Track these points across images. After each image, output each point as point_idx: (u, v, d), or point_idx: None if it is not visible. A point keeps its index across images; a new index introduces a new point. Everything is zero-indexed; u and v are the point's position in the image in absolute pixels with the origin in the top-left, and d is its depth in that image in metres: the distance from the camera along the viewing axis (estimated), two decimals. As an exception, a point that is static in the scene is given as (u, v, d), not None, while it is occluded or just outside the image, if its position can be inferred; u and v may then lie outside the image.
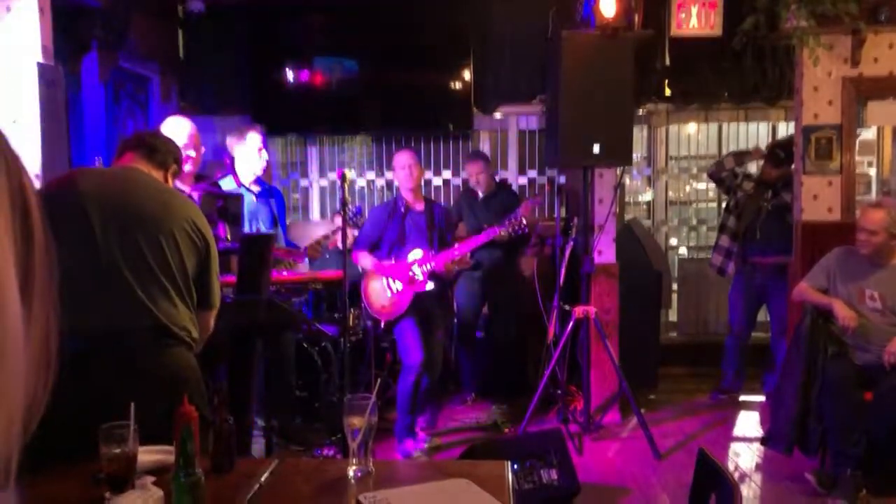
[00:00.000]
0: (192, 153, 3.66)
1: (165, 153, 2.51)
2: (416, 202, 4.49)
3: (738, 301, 5.48)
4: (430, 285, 4.39)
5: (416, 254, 4.40)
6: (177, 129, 3.63)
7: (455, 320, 5.41)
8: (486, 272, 5.29)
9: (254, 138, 4.20)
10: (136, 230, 2.23)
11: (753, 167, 5.70)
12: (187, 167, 3.59)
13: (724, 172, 5.46)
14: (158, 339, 2.21)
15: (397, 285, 4.40)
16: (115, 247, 2.20)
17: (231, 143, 4.23)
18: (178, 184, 3.52)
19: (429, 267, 4.36)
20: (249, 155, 4.21)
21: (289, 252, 4.44)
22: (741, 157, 5.50)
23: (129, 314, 2.18)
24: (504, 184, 5.97)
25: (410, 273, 4.37)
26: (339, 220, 4.29)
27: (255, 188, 4.25)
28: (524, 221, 4.54)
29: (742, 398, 5.47)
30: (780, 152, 5.29)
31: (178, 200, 2.41)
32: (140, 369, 2.15)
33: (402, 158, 4.49)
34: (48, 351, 0.59)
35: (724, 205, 5.82)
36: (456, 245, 4.51)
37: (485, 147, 6.52)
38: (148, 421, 1.70)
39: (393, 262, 4.43)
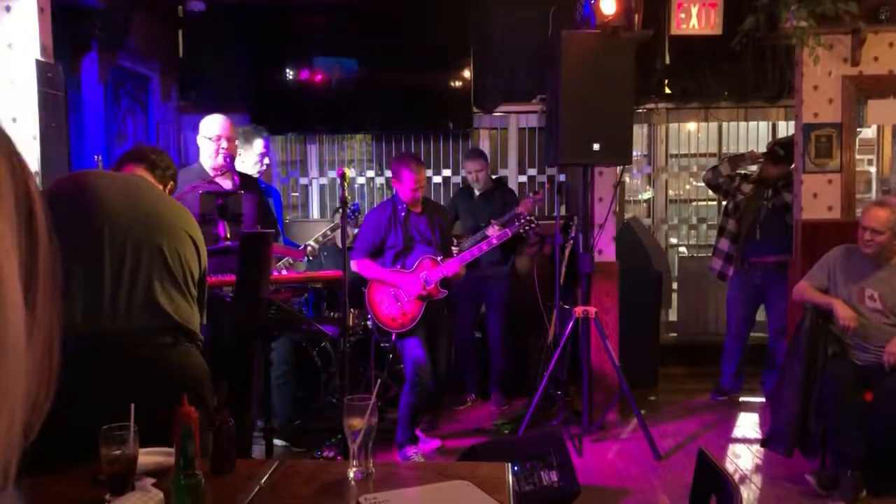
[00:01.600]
0: (225, 144, 3.71)
1: (165, 169, 2.55)
2: (415, 205, 4.36)
3: (737, 300, 5.47)
4: (443, 293, 4.28)
5: (425, 264, 4.27)
6: (214, 122, 3.72)
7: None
8: (483, 272, 5.28)
9: (259, 145, 4.24)
10: (156, 233, 2.25)
11: (752, 166, 5.69)
12: (219, 160, 3.63)
13: (720, 178, 5.44)
14: (176, 339, 2.23)
15: (408, 296, 4.25)
16: (136, 249, 2.21)
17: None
18: (220, 181, 3.57)
19: (440, 276, 4.24)
20: (251, 159, 4.25)
21: (287, 251, 4.44)
22: (736, 161, 5.47)
23: (148, 316, 2.19)
24: (501, 181, 5.96)
25: (424, 284, 4.22)
26: (338, 218, 4.31)
27: (255, 187, 4.27)
28: (528, 217, 4.50)
29: (742, 399, 5.47)
30: (779, 150, 5.29)
31: (186, 212, 2.45)
32: (158, 370, 2.15)
33: (419, 178, 4.25)
34: (51, 354, 0.59)
35: (723, 206, 5.80)
36: (463, 250, 4.48)
37: (485, 145, 6.52)
38: (163, 421, 1.70)
39: (400, 269, 4.29)
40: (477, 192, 5.46)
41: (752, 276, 5.33)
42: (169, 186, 2.57)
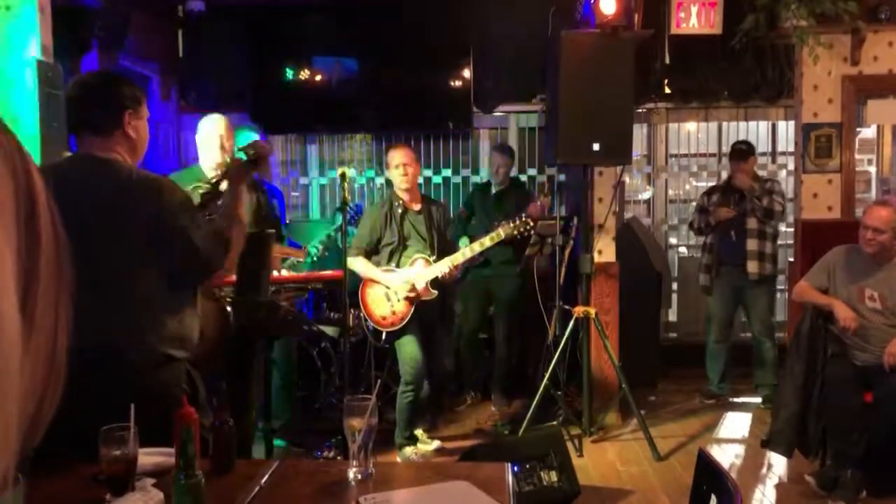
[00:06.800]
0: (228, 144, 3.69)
1: (113, 109, 2.16)
2: (412, 202, 4.31)
3: (716, 303, 5.45)
4: (433, 294, 4.22)
5: (418, 264, 4.21)
6: (213, 125, 3.73)
7: (458, 322, 5.35)
8: (493, 271, 5.22)
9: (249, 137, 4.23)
10: (108, 243, 2.08)
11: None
12: (224, 158, 3.60)
13: (695, 224, 5.47)
14: (151, 359, 2.10)
15: (399, 296, 4.20)
16: (91, 263, 2.09)
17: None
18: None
19: (430, 276, 4.18)
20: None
21: (290, 252, 4.43)
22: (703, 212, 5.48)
23: (115, 336, 2.06)
24: (517, 181, 5.90)
25: (412, 284, 4.17)
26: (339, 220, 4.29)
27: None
28: (530, 223, 4.34)
29: (741, 400, 5.46)
30: (741, 145, 5.33)
31: (124, 192, 2.10)
32: (132, 394, 1.93)
33: (396, 156, 4.25)
34: (54, 362, 0.55)
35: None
36: (462, 251, 4.42)
37: (485, 145, 6.52)
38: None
39: (393, 268, 4.24)
40: (494, 189, 5.42)
41: (730, 277, 5.32)
42: (128, 113, 2.17)
